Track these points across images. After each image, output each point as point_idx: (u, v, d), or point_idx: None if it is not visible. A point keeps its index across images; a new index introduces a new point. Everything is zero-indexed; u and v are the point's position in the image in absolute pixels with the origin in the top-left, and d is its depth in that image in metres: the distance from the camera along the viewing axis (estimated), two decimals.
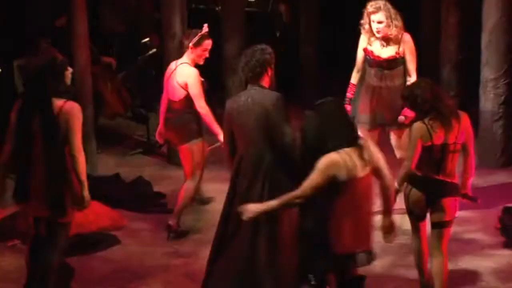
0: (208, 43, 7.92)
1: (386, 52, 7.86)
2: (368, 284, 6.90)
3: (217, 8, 11.80)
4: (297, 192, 5.51)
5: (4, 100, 9.46)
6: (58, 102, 5.98)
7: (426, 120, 6.17)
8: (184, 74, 7.78)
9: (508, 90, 9.17)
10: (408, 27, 7.99)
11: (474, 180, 6.58)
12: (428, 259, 6.44)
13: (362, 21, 7.88)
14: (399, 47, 7.84)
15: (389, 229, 5.89)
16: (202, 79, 7.90)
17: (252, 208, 5.65)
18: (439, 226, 6.34)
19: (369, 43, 7.92)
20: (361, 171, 5.51)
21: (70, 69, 6.19)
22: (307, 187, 5.48)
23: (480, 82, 9.25)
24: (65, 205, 6.05)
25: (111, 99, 9.96)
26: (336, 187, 5.47)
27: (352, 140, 5.54)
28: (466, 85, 10.16)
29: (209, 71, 8.26)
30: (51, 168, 6.03)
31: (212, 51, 8.07)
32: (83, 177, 6.04)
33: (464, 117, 6.32)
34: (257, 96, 6.23)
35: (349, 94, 8.03)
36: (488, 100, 9.14)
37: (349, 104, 7.95)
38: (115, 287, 6.85)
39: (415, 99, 6.22)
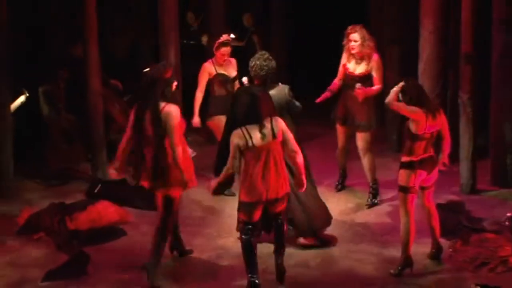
0: (224, 50, 8.34)
1: (359, 69, 8.17)
2: (326, 264, 7.01)
3: (204, 43, 11.80)
4: (227, 165, 6.18)
5: (31, 121, 9.50)
6: (161, 104, 6.41)
7: (425, 110, 6.55)
8: None
9: None
10: None
11: None
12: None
13: (344, 42, 8.17)
14: (368, 65, 8.10)
15: (298, 183, 6.47)
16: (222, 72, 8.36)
17: (212, 183, 6.34)
18: (424, 189, 6.76)
19: (348, 61, 8.21)
20: (259, 142, 6.09)
21: (175, 82, 6.64)
22: (230, 159, 6.16)
23: None
24: (166, 183, 6.46)
25: (119, 117, 9.97)
26: (239, 153, 6.16)
27: (254, 120, 6.11)
28: None
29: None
30: (156, 154, 6.42)
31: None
32: (181, 164, 6.36)
33: (441, 110, 6.78)
34: (275, 90, 7.09)
35: (330, 87, 8.33)
36: None
37: (329, 92, 8.28)
38: (123, 270, 6.87)
39: (405, 97, 6.64)
